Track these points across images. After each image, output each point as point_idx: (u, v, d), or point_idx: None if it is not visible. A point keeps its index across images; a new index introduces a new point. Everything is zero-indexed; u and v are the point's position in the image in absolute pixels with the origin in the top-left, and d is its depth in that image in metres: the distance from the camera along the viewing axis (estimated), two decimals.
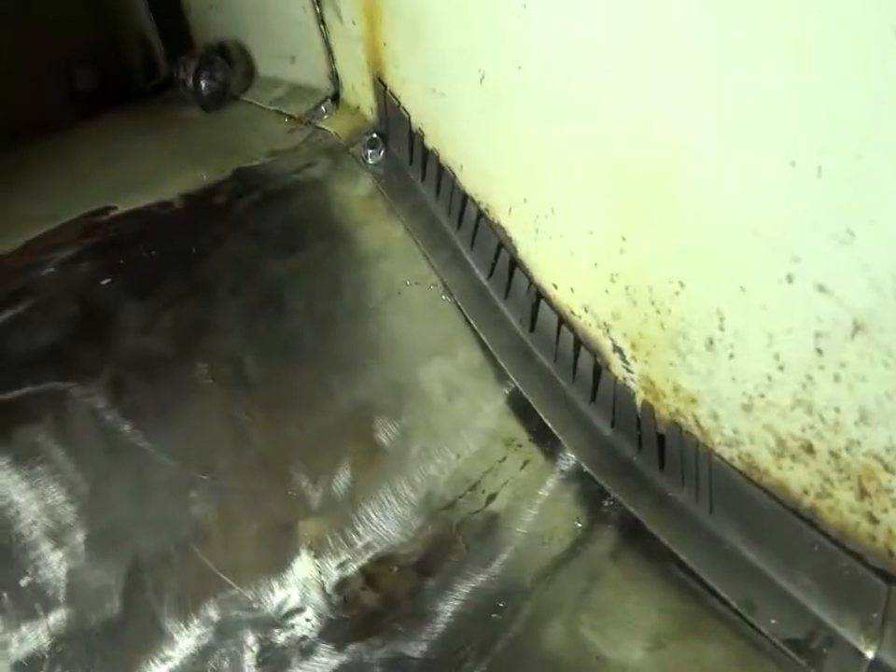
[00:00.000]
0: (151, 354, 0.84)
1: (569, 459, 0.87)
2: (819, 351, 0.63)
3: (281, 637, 0.70)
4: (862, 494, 0.65)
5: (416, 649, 0.70)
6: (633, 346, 0.83)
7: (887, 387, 0.59)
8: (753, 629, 0.70)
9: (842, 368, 0.62)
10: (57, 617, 0.68)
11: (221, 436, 0.80)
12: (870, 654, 0.66)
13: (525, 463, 0.86)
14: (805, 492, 0.70)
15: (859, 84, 0.52)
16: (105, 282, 0.90)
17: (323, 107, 1.29)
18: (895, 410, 0.60)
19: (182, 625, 0.69)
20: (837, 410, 0.64)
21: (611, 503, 0.82)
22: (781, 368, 0.67)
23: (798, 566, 0.71)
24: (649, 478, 0.83)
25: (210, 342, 0.87)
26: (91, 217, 0.98)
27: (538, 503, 0.83)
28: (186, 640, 0.68)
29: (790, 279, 0.62)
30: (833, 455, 0.66)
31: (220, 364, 0.85)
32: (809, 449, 0.68)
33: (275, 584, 0.73)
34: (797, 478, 0.70)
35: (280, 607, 0.72)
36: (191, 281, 0.92)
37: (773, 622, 0.70)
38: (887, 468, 0.62)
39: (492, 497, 0.83)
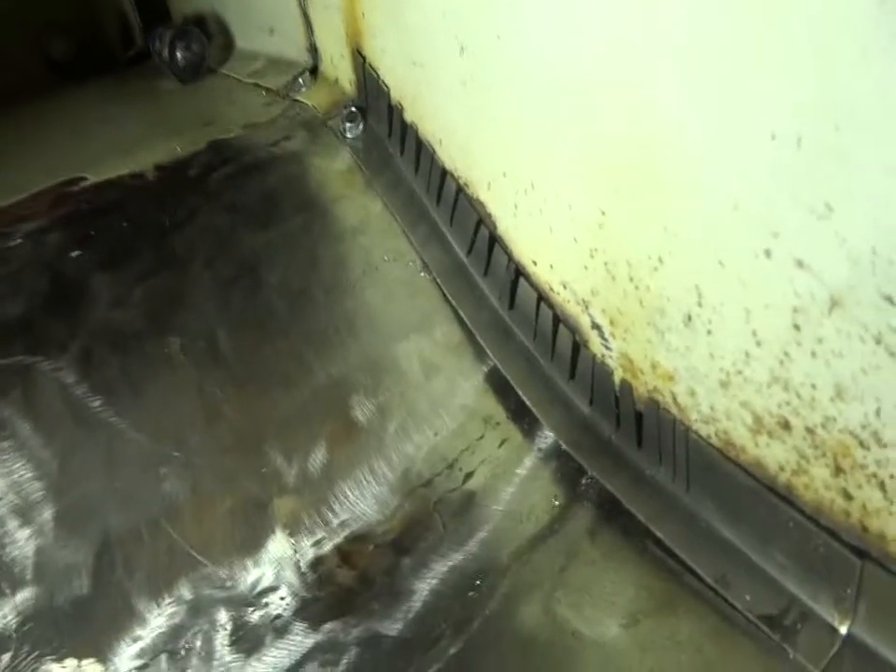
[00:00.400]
0: (122, 327, 0.82)
1: (547, 437, 0.86)
2: (797, 327, 0.63)
3: (255, 616, 0.69)
4: (837, 470, 0.65)
5: (392, 627, 0.70)
6: (611, 323, 0.82)
7: (862, 363, 0.59)
8: (728, 605, 0.70)
9: (819, 344, 0.62)
10: (24, 596, 0.66)
11: (194, 412, 0.78)
12: (843, 630, 0.66)
13: (503, 441, 0.86)
14: (782, 469, 0.70)
15: (838, 54, 0.51)
16: (75, 254, 0.87)
17: (301, 80, 1.27)
18: (871, 386, 0.60)
19: (153, 604, 0.68)
20: (814, 386, 0.64)
21: (589, 481, 0.82)
22: (759, 344, 0.67)
23: (773, 542, 0.71)
24: (626, 456, 0.83)
25: (183, 315, 0.85)
26: (62, 188, 0.95)
27: (515, 481, 0.83)
28: (157, 619, 0.67)
29: (768, 254, 0.62)
30: (810, 431, 0.66)
31: (193, 338, 0.83)
32: (786, 426, 0.68)
33: (249, 562, 0.72)
34: (773, 455, 0.70)
35: (254, 585, 0.71)
36: (164, 254, 0.90)
37: (748, 598, 0.70)
38: (862, 444, 0.62)
39: (469, 476, 0.82)
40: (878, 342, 0.57)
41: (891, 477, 0.61)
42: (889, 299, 0.55)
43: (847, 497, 0.65)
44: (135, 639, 0.66)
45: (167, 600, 0.68)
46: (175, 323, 0.84)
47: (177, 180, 0.99)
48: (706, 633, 0.68)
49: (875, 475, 0.62)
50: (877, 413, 0.60)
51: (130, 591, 0.67)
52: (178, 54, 1.36)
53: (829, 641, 0.65)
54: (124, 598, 0.67)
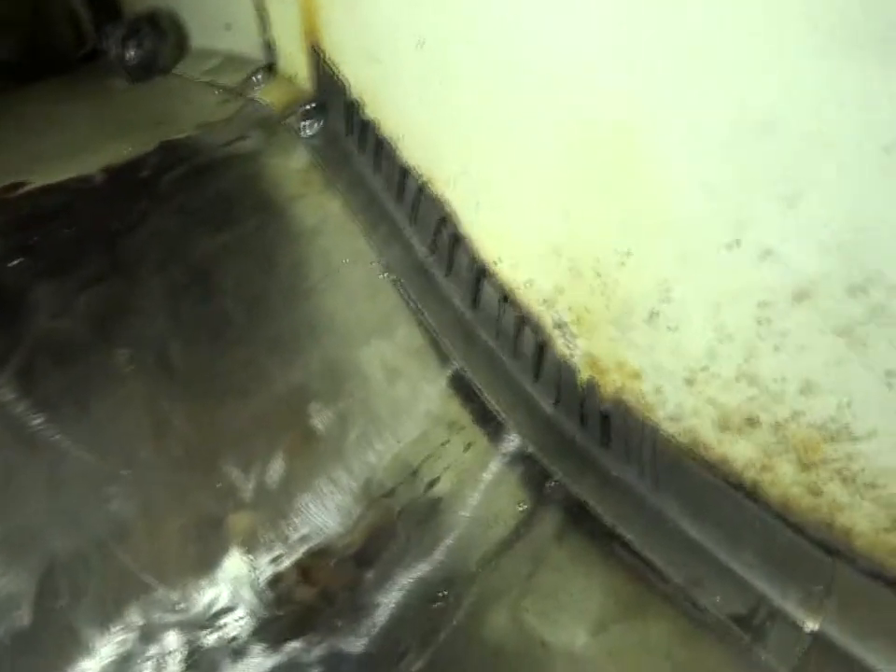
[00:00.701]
0: (66, 339, 0.78)
1: (513, 440, 0.84)
2: (762, 320, 0.62)
3: (210, 639, 0.66)
4: (804, 466, 0.64)
5: (356, 644, 0.67)
6: (577, 321, 0.81)
7: (829, 357, 0.58)
8: (697, 607, 0.69)
9: (784, 337, 0.61)
10: None
11: (143, 426, 0.75)
12: (813, 627, 0.65)
13: (468, 446, 0.84)
14: (748, 466, 0.69)
15: (806, 37, 0.50)
16: (15, 262, 0.83)
17: (257, 77, 1.24)
18: (838, 380, 0.59)
19: (101, 632, 0.64)
20: (780, 381, 0.63)
21: (555, 484, 0.80)
22: (724, 339, 0.66)
23: (741, 541, 0.70)
24: (593, 457, 0.82)
25: (131, 325, 0.81)
26: (3, 193, 0.91)
27: (481, 487, 0.81)
28: (105, 648, 0.64)
29: (737, 244, 0.61)
30: (777, 426, 0.65)
31: (142, 349, 0.80)
32: (753, 422, 0.67)
33: (203, 583, 0.69)
34: (740, 452, 0.69)
35: (209, 606, 0.68)
36: (112, 260, 0.86)
37: (717, 598, 0.69)
38: (831, 438, 0.61)
39: (434, 483, 0.80)
40: (842, 335, 0.56)
41: (862, 471, 0.60)
42: (854, 291, 0.54)
43: (815, 492, 0.64)
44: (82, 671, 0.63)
45: (116, 627, 0.65)
46: (122, 333, 0.81)
47: (126, 183, 0.95)
48: (675, 636, 0.67)
49: (841, 470, 0.62)
50: (847, 405, 0.59)
51: (75, 619, 0.64)
52: (129, 52, 1.31)
53: (798, 639, 0.65)
54: (70, 628, 0.63)
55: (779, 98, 0.53)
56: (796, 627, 0.65)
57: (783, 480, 0.66)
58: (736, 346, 0.65)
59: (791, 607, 0.66)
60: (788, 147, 0.54)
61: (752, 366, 0.64)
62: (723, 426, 0.70)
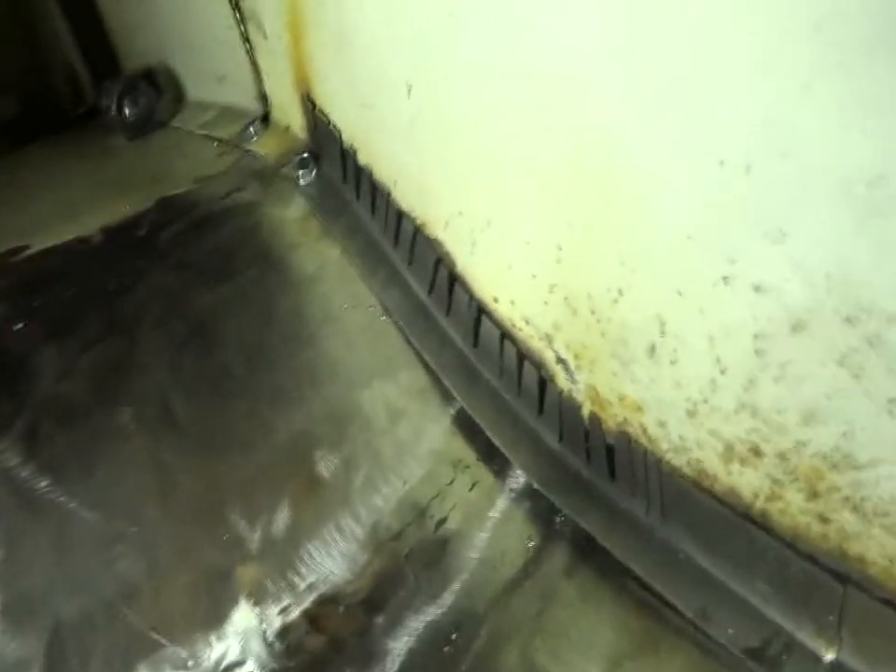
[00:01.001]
0: (69, 400, 0.79)
1: (519, 477, 0.84)
2: (760, 352, 0.62)
3: None
4: (812, 494, 0.63)
5: None
6: (576, 357, 0.81)
7: (827, 386, 0.58)
8: (710, 640, 0.68)
9: (782, 368, 0.61)
10: None
11: (148, 483, 0.75)
12: (829, 657, 0.64)
13: (474, 484, 0.84)
14: (756, 496, 0.68)
15: (782, 80, 0.51)
16: (17, 326, 0.85)
17: (252, 129, 1.26)
18: (837, 409, 0.59)
19: None
20: (781, 411, 0.63)
21: (563, 519, 0.80)
22: (723, 371, 0.66)
23: (753, 572, 0.69)
24: (599, 491, 0.81)
25: (133, 382, 0.82)
26: (4, 258, 0.93)
27: (488, 525, 0.80)
28: None
29: (726, 281, 0.61)
30: (781, 457, 0.64)
31: (145, 406, 0.81)
32: (757, 452, 0.66)
33: (212, 638, 0.69)
34: (747, 482, 0.68)
35: (218, 662, 0.67)
36: (112, 319, 0.87)
37: (730, 631, 0.68)
38: (834, 467, 0.61)
39: (441, 523, 0.80)
40: (841, 364, 0.56)
41: (864, 500, 0.60)
42: (848, 320, 0.54)
43: (825, 521, 0.64)
44: None
45: None
46: (125, 391, 0.81)
47: (125, 242, 0.96)
48: (689, 671, 0.66)
49: (849, 498, 0.61)
50: (846, 435, 0.59)
51: None
52: (126, 109, 1.35)
53: (815, 671, 0.63)
54: None
55: (757, 139, 0.54)
56: (813, 658, 0.64)
57: (792, 509, 0.66)
58: (735, 378, 0.65)
59: (806, 637, 0.66)
60: (767, 187, 0.54)
61: (752, 397, 0.64)
62: (728, 457, 0.69)
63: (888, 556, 0.60)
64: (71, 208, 1.04)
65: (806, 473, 0.63)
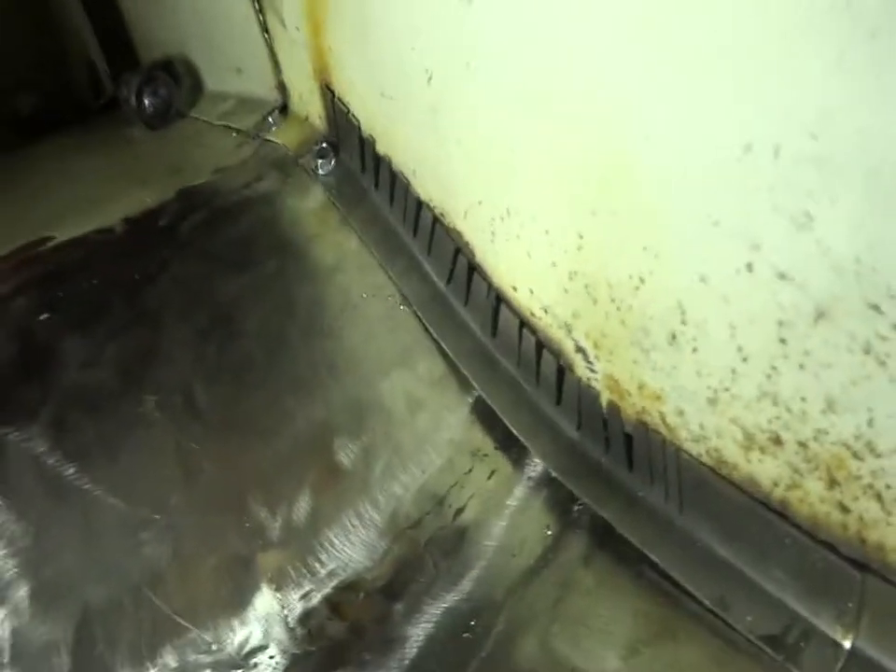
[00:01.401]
0: (95, 389, 0.81)
1: (537, 465, 0.84)
2: (783, 340, 0.61)
3: None
4: (832, 483, 0.63)
5: None
6: (595, 345, 0.81)
7: (852, 374, 0.58)
8: (729, 627, 0.68)
9: (806, 356, 0.60)
10: None
11: (172, 471, 0.76)
12: (847, 644, 0.64)
13: (492, 473, 0.84)
14: (776, 484, 0.68)
15: (813, 61, 0.50)
16: (43, 317, 0.86)
17: (271, 119, 1.26)
18: (861, 396, 0.58)
19: None
20: (803, 399, 0.62)
21: (581, 507, 0.80)
22: (745, 359, 0.65)
23: (771, 559, 0.69)
24: (618, 479, 0.81)
25: (157, 371, 0.83)
26: (28, 249, 0.94)
27: (506, 513, 0.81)
28: None
29: (749, 268, 0.61)
30: (802, 445, 0.64)
31: (169, 394, 0.82)
32: (777, 441, 0.66)
33: (235, 623, 0.70)
34: (766, 470, 0.68)
35: (241, 646, 0.69)
36: (136, 309, 0.88)
37: (748, 618, 0.68)
38: (855, 455, 0.60)
39: (460, 511, 0.80)
40: (867, 351, 0.56)
41: (888, 487, 0.59)
42: (875, 307, 0.54)
43: (844, 509, 0.63)
44: None
45: (151, 670, 0.66)
46: (149, 380, 0.83)
47: (147, 232, 0.97)
48: (707, 658, 0.66)
49: (870, 486, 0.61)
50: (870, 423, 0.58)
51: (112, 665, 0.65)
52: (146, 100, 1.35)
53: (833, 657, 0.63)
54: None
55: (786, 121, 0.53)
56: (831, 645, 0.64)
57: (811, 497, 0.66)
58: (758, 366, 0.64)
59: (824, 625, 0.65)
60: (795, 169, 0.54)
61: (774, 385, 0.64)
62: (748, 445, 0.69)
63: None
64: (92, 199, 1.05)
65: (827, 462, 0.63)
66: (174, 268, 0.93)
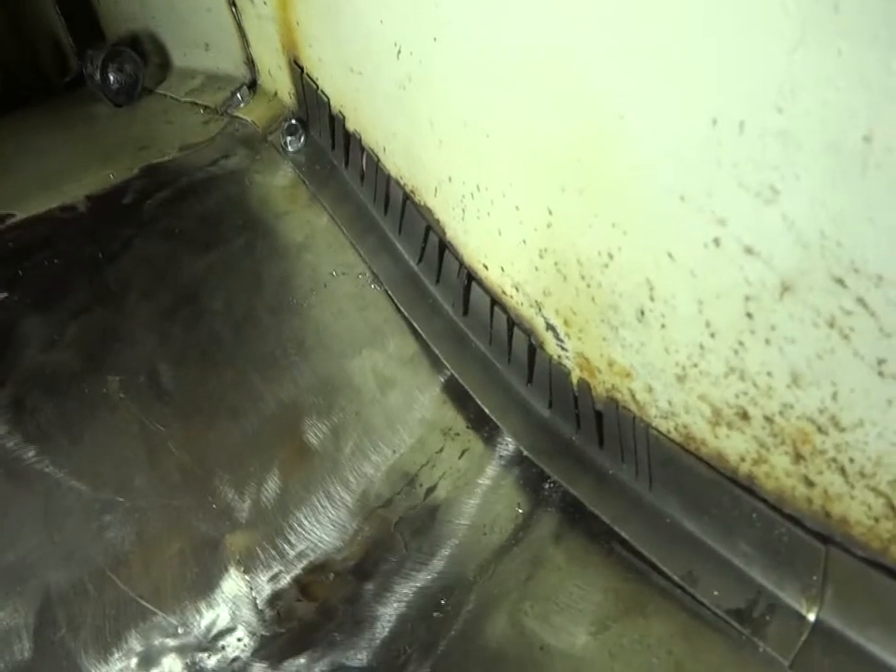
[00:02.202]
0: (56, 370, 0.79)
1: (508, 444, 0.84)
2: (750, 315, 0.61)
3: (211, 661, 0.66)
4: (798, 457, 0.64)
5: (357, 657, 0.68)
6: (566, 323, 0.80)
7: (816, 348, 0.58)
8: (696, 602, 0.69)
9: (772, 331, 0.60)
10: None
11: (136, 452, 0.75)
12: (811, 617, 0.65)
13: (464, 452, 0.84)
14: (742, 459, 0.68)
15: (778, 37, 0.49)
16: (1, 297, 0.84)
17: (239, 95, 1.24)
18: (825, 370, 0.58)
19: (101, 660, 0.64)
20: (769, 374, 0.62)
21: (552, 485, 0.80)
22: (713, 335, 0.65)
23: (738, 534, 0.69)
24: (588, 457, 0.81)
25: (121, 352, 0.82)
26: None
27: (478, 492, 0.81)
28: None
29: (717, 243, 0.60)
30: (768, 419, 0.64)
31: (133, 375, 0.80)
32: (744, 416, 0.66)
33: (202, 605, 0.69)
34: (734, 446, 0.68)
35: (208, 629, 0.68)
36: (99, 288, 0.86)
37: (715, 593, 0.69)
38: (820, 429, 0.61)
39: (431, 490, 0.80)
40: (831, 325, 0.56)
41: (851, 461, 0.60)
42: (839, 281, 0.54)
43: (809, 483, 0.64)
44: None
45: (116, 655, 0.65)
46: (112, 360, 0.81)
47: (110, 210, 0.95)
48: (675, 633, 0.67)
49: (834, 460, 0.61)
50: (834, 397, 0.59)
51: (75, 649, 0.64)
52: (111, 76, 1.32)
53: (797, 630, 0.64)
54: (70, 658, 0.64)
55: (751, 95, 0.53)
56: (795, 618, 0.65)
57: (777, 472, 0.66)
58: (725, 342, 0.65)
59: (789, 597, 0.66)
60: (760, 144, 0.53)
61: (741, 360, 0.64)
62: (716, 421, 0.69)
63: (872, 516, 0.60)
64: (55, 176, 1.02)
65: (792, 436, 0.63)
66: (138, 246, 0.91)
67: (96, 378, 0.79)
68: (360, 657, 0.67)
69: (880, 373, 0.55)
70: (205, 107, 1.24)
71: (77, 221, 0.93)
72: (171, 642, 0.66)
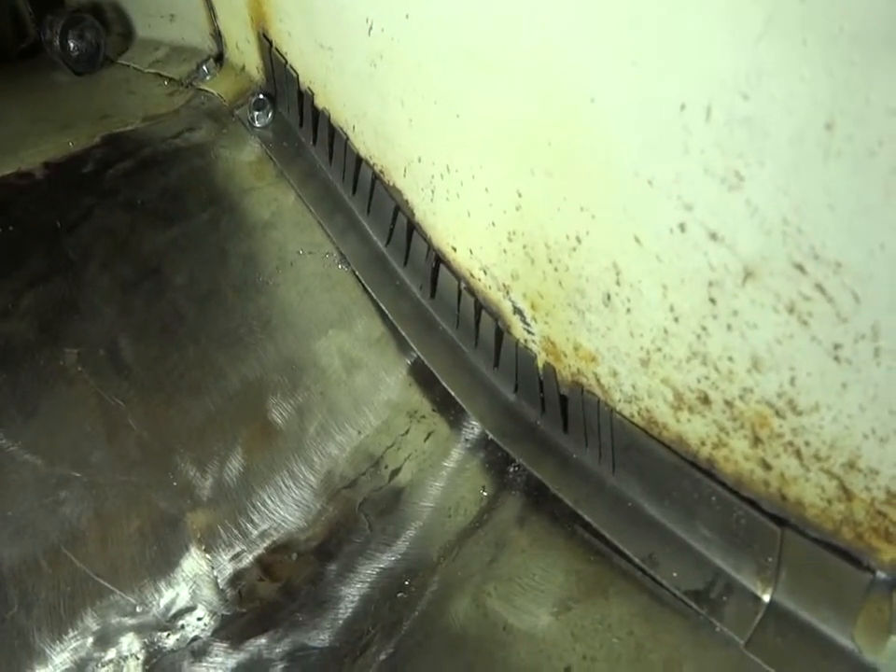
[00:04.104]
0: (11, 341, 0.76)
1: (474, 428, 0.84)
2: (712, 300, 0.62)
3: (170, 641, 0.65)
4: (756, 441, 0.65)
5: (319, 638, 0.67)
6: (533, 307, 0.81)
7: (776, 333, 0.59)
8: (656, 584, 0.70)
9: (734, 316, 0.62)
10: None
11: (94, 427, 0.73)
12: (766, 598, 0.67)
13: (429, 434, 0.84)
14: (703, 443, 0.69)
15: (746, 24, 0.50)
16: None
17: (205, 68, 1.21)
18: (785, 355, 0.60)
19: (55, 639, 0.63)
20: (731, 359, 0.64)
21: (517, 469, 0.81)
22: (676, 319, 0.66)
23: (697, 517, 0.71)
24: (553, 441, 0.82)
25: (79, 324, 0.79)
26: None
27: (443, 475, 0.81)
28: (60, 655, 0.62)
29: (682, 228, 0.61)
30: (728, 404, 0.66)
31: (91, 348, 0.78)
32: (705, 400, 0.67)
33: (162, 584, 0.68)
34: (695, 430, 0.70)
35: (168, 608, 0.67)
36: (56, 258, 0.83)
37: (675, 574, 0.70)
38: (778, 413, 0.62)
39: (396, 472, 0.80)
40: (791, 311, 0.57)
41: (807, 444, 0.61)
42: (800, 267, 0.55)
43: (766, 466, 0.65)
44: None
45: (70, 633, 0.64)
46: (69, 332, 0.78)
47: (69, 178, 0.92)
48: (636, 614, 0.68)
49: (791, 443, 0.63)
50: (792, 381, 0.60)
51: (28, 627, 0.62)
52: (71, 43, 1.27)
53: (753, 610, 0.66)
54: (22, 636, 0.62)
55: (718, 81, 0.53)
56: (751, 599, 0.67)
57: (736, 455, 0.67)
58: (688, 326, 0.66)
59: (745, 579, 0.68)
60: (727, 130, 0.54)
61: (704, 345, 0.65)
62: (678, 405, 0.70)
63: (825, 498, 0.62)
64: (10, 142, 0.98)
65: (751, 420, 0.64)
66: (98, 216, 0.88)
67: (53, 350, 0.77)
68: (323, 637, 0.67)
69: (836, 358, 0.56)
70: (170, 79, 1.21)
71: (34, 188, 0.89)
72: (129, 621, 0.65)
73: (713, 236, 0.59)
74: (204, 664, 0.64)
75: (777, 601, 0.66)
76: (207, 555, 0.70)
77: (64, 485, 0.69)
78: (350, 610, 0.70)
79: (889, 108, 0.45)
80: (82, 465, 0.71)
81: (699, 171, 0.57)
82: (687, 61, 0.54)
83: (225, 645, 0.66)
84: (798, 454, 0.62)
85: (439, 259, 0.92)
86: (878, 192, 0.47)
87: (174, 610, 0.67)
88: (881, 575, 0.61)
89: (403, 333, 0.92)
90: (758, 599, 0.67)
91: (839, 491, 0.61)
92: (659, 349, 0.69)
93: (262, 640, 0.66)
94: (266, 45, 1.08)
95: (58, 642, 0.63)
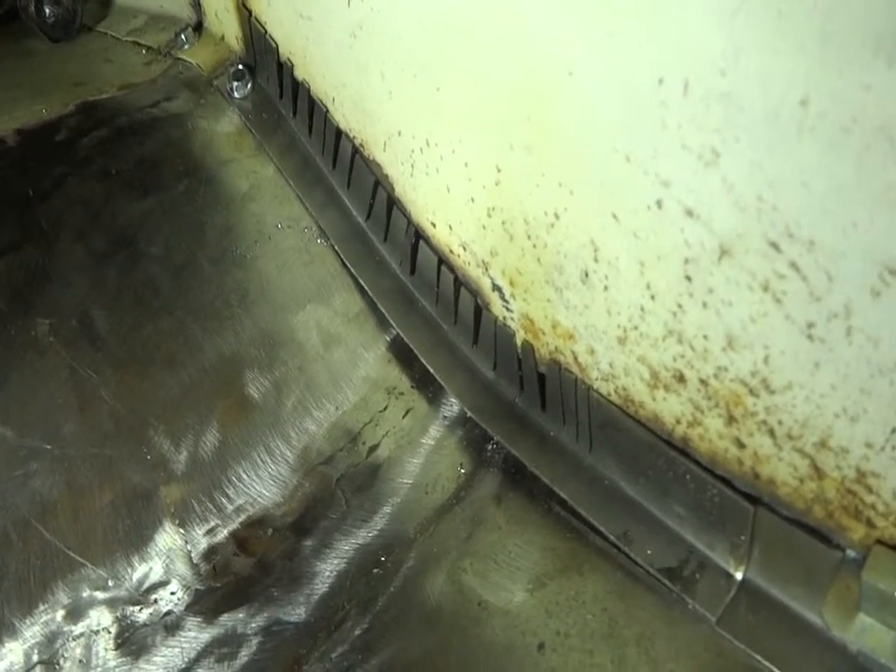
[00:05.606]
0: None
1: (452, 405, 0.84)
2: (688, 278, 0.62)
3: (142, 615, 0.65)
4: (730, 419, 0.65)
5: (294, 613, 0.67)
6: (511, 284, 0.80)
7: (750, 311, 0.59)
8: (631, 561, 0.71)
9: (710, 294, 0.62)
10: None
11: (65, 399, 0.72)
12: (738, 575, 0.68)
13: (408, 411, 0.83)
14: (678, 422, 0.70)
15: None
16: None
17: (184, 37, 1.18)
18: (759, 333, 0.60)
19: (24, 612, 0.62)
20: (706, 337, 0.64)
21: (494, 446, 0.81)
22: (653, 297, 0.66)
23: (672, 495, 0.71)
24: (530, 419, 0.82)
25: (51, 294, 0.78)
26: None
27: (421, 452, 0.81)
28: (30, 629, 0.62)
29: (659, 204, 0.61)
30: (703, 382, 0.66)
31: (64, 319, 0.76)
32: (681, 378, 0.68)
33: (134, 558, 0.67)
34: (670, 408, 0.70)
35: (140, 582, 0.67)
36: (28, 227, 0.82)
37: (649, 552, 0.71)
38: (752, 392, 0.62)
39: (373, 449, 0.80)
40: (765, 289, 0.57)
41: (780, 423, 0.62)
42: (774, 245, 0.55)
43: (740, 445, 0.66)
44: (5, 653, 0.61)
45: (41, 607, 0.63)
46: (41, 302, 0.77)
47: (42, 146, 0.90)
48: (610, 591, 0.69)
49: (764, 422, 0.63)
50: (766, 360, 0.60)
51: None
52: (46, 9, 1.24)
53: (725, 588, 0.67)
54: None
55: (696, 55, 0.53)
56: (723, 576, 0.68)
57: (711, 434, 0.68)
58: (664, 304, 0.65)
59: (718, 557, 0.69)
60: (703, 105, 0.53)
61: (680, 323, 0.65)
62: (654, 384, 0.71)
63: (797, 477, 0.62)
64: None
65: (726, 398, 0.65)
66: (71, 185, 0.86)
67: (24, 320, 0.75)
68: (298, 612, 0.67)
69: (809, 336, 0.56)
70: (147, 48, 1.19)
71: (6, 155, 0.87)
72: (100, 595, 0.65)
73: (690, 213, 0.59)
74: (177, 638, 0.64)
75: (750, 579, 0.67)
76: (181, 529, 0.70)
77: (35, 457, 0.69)
78: (326, 586, 0.70)
79: (863, 84, 0.44)
80: (53, 437, 0.70)
81: (676, 146, 0.57)
82: (665, 32, 0.54)
83: (198, 619, 0.66)
84: (771, 432, 0.62)
85: (418, 235, 0.91)
86: (851, 170, 0.47)
87: (146, 584, 0.67)
88: (850, 553, 0.62)
89: (382, 309, 0.91)
90: (730, 577, 0.68)
91: (811, 470, 0.61)
92: (636, 327, 0.69)
93: (237, 615, 0.66)
94: (245, 14, 1.06)
95: (28, 616, 0.62)
